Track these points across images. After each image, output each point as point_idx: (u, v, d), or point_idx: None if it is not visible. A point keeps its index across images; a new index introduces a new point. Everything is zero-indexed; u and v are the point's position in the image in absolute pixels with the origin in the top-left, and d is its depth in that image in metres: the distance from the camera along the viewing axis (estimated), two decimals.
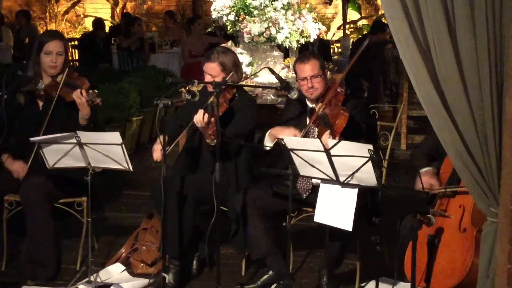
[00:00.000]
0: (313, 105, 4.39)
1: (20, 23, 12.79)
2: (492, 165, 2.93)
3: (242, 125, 4.45)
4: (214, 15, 6.69)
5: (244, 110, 4.49)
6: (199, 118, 4.13)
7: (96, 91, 4.44)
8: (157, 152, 4.39)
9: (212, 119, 4.11)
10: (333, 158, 3.59)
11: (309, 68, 4.35)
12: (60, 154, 4.11)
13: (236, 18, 6.45)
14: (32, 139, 4.16)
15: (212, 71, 4.47)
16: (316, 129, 4.28)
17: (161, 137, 4.03)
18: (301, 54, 4.82)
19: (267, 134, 4.42)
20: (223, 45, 6.17)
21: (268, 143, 4.38)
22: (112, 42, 11.75)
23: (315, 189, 4.10)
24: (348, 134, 4.00)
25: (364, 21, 15.49)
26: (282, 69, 6.72)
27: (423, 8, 2.83)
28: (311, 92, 4.36)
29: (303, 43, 6.79)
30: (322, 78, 4.37)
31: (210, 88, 4.42)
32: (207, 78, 4.47)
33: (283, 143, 3.76)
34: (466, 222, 3.51)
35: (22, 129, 4.57)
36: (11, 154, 4.58)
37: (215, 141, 4.08)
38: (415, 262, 3.35)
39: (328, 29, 14.96)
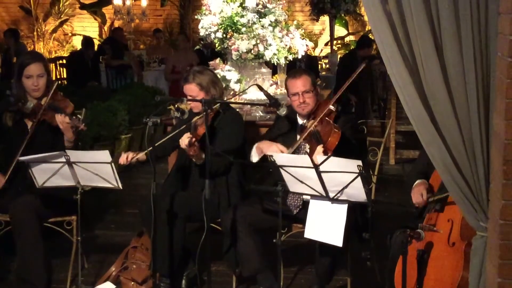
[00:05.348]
0: (304, 122, 4.41)
1: (9, 42, 12.75)
2: (481, 179, 2.94)
3: (230, 141, 4.46)
4: (202, 32, 6.69)
5: (230, 126, 4.51)
6: (184, 139, 4.18)
7: (80, 117, 4.41)
8: (123, 157, 4.44)
9: (194, 139, 4.18)
10: (322, 174, 3.59)
11: (300, 84, 4.36)
12: (49, 173, 4.10)
13: (224, 35, 6.46)
14: (21, 158, 4.15)
15: (191, 92, 4.53)
16: (307, 146, 4.29)
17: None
18: (293, 70, 4.83)
19: (254, 147, 4.42)
20: (211, 62, 6.24)
21: (255, 157, 4.39)
22: (100, 60, 11.75)
23: (305, 205, 4.09)
24: (339, 150, 4.01)
25: (351, 37, 15.54)
26: (271, 85, 6.72)
27: (410, 25, 2.85)
28: (303, 107, 4.37)
29: (291, 59, 6.81)
30: (314, 94, 4.38)
31: (194, 109, 4.46)
32: None
33: (272, 159, 3.76)
34: (455, 236, 3.52)
35: (9, 149, 4.55)
36: None
37: (200, 160, 4.23)
38: (406, 277, 3.35)
39: (316, 45, 15.02)
